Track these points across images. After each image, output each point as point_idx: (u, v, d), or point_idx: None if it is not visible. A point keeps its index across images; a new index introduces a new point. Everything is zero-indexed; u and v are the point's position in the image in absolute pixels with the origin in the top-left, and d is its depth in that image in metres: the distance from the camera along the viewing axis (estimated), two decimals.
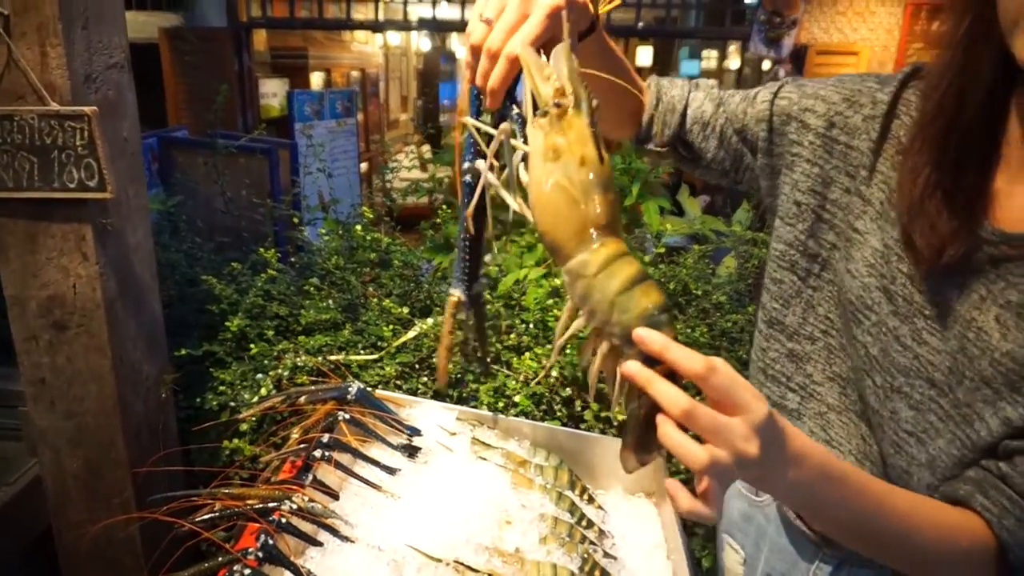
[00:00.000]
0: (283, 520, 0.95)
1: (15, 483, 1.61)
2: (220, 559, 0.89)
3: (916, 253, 0.78)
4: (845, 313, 0.88)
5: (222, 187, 2.39)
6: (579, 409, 1.51)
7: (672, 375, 0.65)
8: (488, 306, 1.72)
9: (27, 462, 1.64)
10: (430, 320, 1.65)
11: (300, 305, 1.72)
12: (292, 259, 1.95)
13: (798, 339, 0.95)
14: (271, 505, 0.97)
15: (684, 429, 0.64)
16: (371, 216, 1.97)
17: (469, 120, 0.81)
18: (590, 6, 0.84)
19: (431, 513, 1.05)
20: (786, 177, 0.94)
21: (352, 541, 0.97)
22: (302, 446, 1.13)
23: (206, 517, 0.95)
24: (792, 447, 0.67)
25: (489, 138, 0.78)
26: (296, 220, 2.01)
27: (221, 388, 1.57)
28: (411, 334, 1.63)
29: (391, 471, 1.13)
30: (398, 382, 1.57)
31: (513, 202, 0.77)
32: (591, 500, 1.20)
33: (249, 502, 0.98)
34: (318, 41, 7.67)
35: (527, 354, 1.59)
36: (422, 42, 12.49)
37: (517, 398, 1.50)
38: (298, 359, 1.54)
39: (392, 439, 1.20)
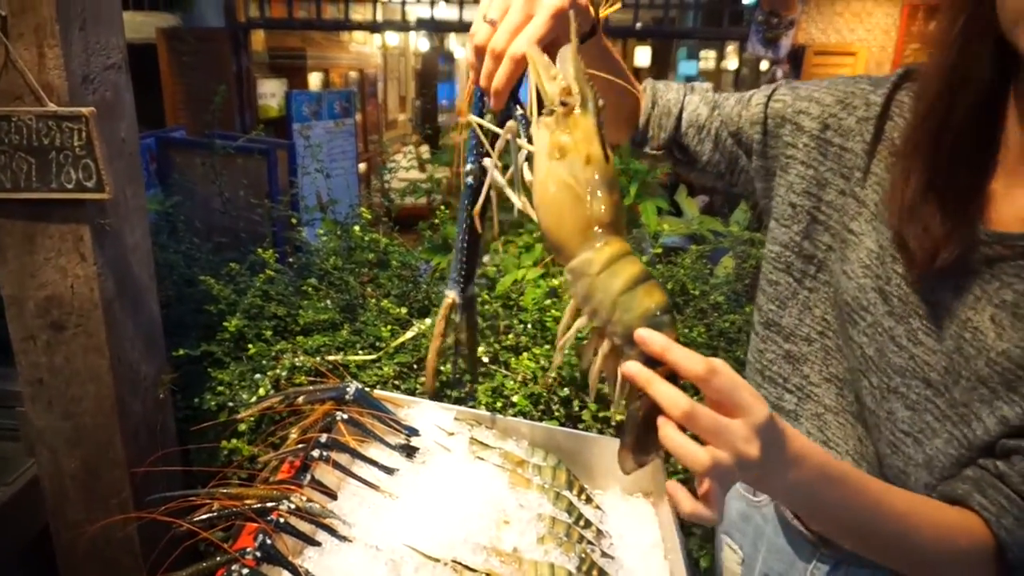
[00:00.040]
0: (281, 520, 0.95)
1: (13, 483, 1.61)
2: (218, 559, 0.89)
3: (910, 256, 0.79)
4: (841, 314, 0.88)
5: (220, 187, 2.39)
6: (577, 409, 1.52)
7: (673, 376, 0.65)
8: (486, 306, 1.73)
9: (25, 462, 1.65)
10: (428, 320, 1.65)
11: (298, 305, 1.73)
12: (290, 259, 1.95)
13: (795, 340, 0.95)
14: (269, 505, 0.97)
15: (684, 430, 0.64)
16: (369, 216, 1.97)
17: (475, 118, 0.81)
18: (591, 9, 0.84)
19: (429, 513, 1.05)
20: (781, 179, 0.95)
21: (350, 541, 0.98)
22: (300, 446, 1.14)
23: (204, 517, 0.95)
24: (792, 448, 0.67)
25: (494, 138, 0.79)
26: (294, 220, 2.01)
27: (219, 388, 1.57)
28: (409, 334, 1.63)
29: (389, 471, 1.13)
30: (396, 382, 1.58)
31: (518, 201, 0.77)
32: (589, 500, 1.20)
33: (247, 502, 0.98)
34: (316, 41, 7.67)
35: (525, 354, 1.60)
36: (420, 42, 12.49)
37: (515, 398, 1.51)
38: (296, 359, 1.54)
39: (390, 439, 1.20)
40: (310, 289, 1.77)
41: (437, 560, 0.95)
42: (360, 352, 1.62)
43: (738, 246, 1.98)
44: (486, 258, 2.22)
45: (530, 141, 0.73)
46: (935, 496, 0.79)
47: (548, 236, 0.73)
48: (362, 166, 6.70)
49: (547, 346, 1.63)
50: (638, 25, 5.51)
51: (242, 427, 1.48)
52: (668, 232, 2.21)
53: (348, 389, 1.23)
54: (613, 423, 1.48)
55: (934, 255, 0.76)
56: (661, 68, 10.12)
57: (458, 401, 1.29)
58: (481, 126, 0.81)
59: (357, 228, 1.88)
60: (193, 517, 0.95)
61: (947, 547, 0.74)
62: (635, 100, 1.04)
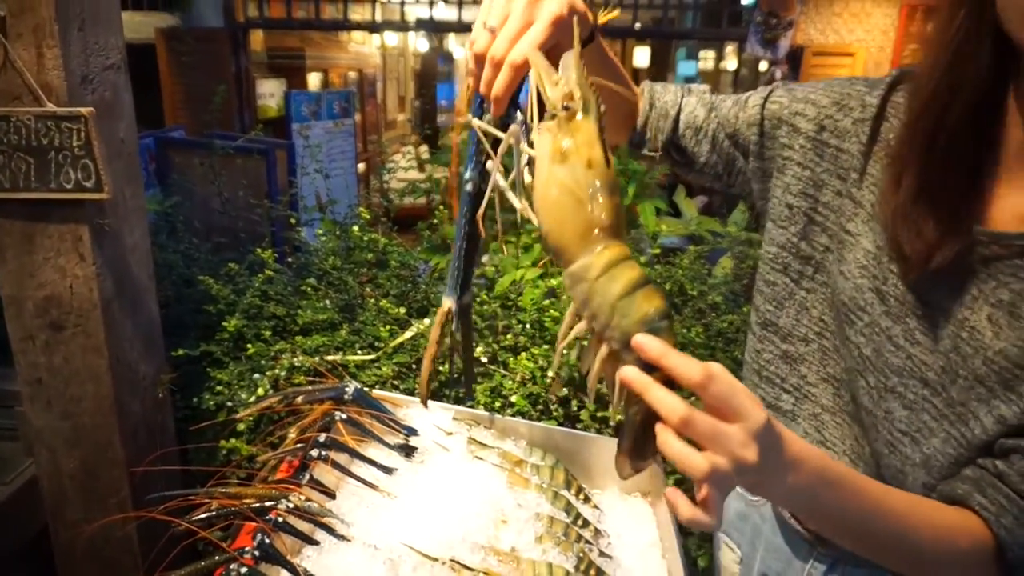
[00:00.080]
0: (280, 519, 0.95)
1: (11, 483, 1.61)
2: (217, 558, 0.90)
3: (904, 259, 0.79)
4: (838, 315, 0.88)
5: (219, 188, 2.39)
6: (575, 409, 1.52)
7: (671, 381, 0.65)
8: (485, 306, 1.73)
9: (23, 462, 1.65)
10: (427, 320, 1.66)
11: (297, 305, 1.73)
12: (289, 259, 1.96)
13: (792, 341, 0.96)
14: (268, 504, 0.97)
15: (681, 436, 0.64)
16: (368, 217, 1.98)
17: (477, 122, 0.81)
18: (589, 15, 0.84)
19: (427, 512, 1.05)
20: (777, 180, 0.95)
21: (348, 540, 0.98)
22: (299, 446, 1.14)
23: (203, 516, 0.96)
24: (790, 452, 0.67)
25: (495, 143, 0.79)
26: (293, 221, 2.02)
27: (218, 388, 1.57)
28: (408, 334, 1.63)
29: (388, 470, 1.14)
30: (395, 382, 1.58)
31: (519, 204, 0.77)
32: (587, 499, 1.20)
33: (246, 501, 0.98)
34: (315, 42, 7.66)
35: (523, 354, 1.60)
36: (419, 43, 12.48)
37: (514, 398, 1.51)
38: (295, 359, 1.54)
39: (389, 439, 1.20)
40: (309, 289, 1.77)
41: (435, 559, 0.95)
42: (359, 352, 1.62)
43: (736, 246, 1.98)
44: (485, 258, 2.22)
45: (531, 146, 0.74)
46: (935, 496, 0.79)
47: (548, 240, 0.73)
48: (361, 166, 6.70)
49: (546, 346, 1.63)
50: (637, 25, 5.52)
51: (241, 427, 1.48)
52: (666, 233, 2.22)
53: (347, 389, 1.23)
54: (611, 423, 1.48)
55: (928, 259, 0.76)
56: (660, 68, 10.12)
57: (457, 401, 1.29)
58: (483, 131, 0.81)
59: (356, 228, 1.88)
60: (192, 516, 0.95)
61: (947, 547, 0.74)
62: (633, 102, 1.05)
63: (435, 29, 7.15)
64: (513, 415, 1.47)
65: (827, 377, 0.93)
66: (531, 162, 0.74)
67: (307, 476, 1.06)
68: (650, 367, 0.66)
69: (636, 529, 1.15)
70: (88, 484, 1.47)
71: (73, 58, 1.24)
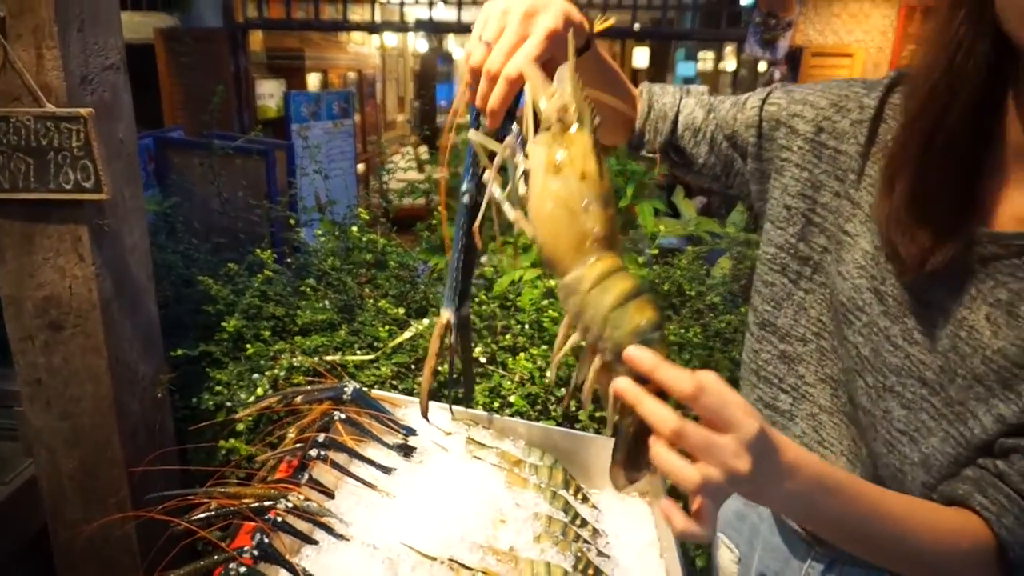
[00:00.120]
0: (279, 519, 0.96)
1: (11, 483, 1.62)
2: (216, 557, 0.90)
3: (900, 262, 0.79)
4: (836, 315, 0.89)
5: (218, 188, 2.39)
6: (574, 409, 1.52)
7: (664, 391, 0.66)
8: (484, 306, 1.73)
9: (23, 462, 1.65)
10: (426, 321, 1.66)
11: (296, 306, 1.73)
12: (288, 260, 1.96)
13: (790, 341, 0.96)
14: (267, 504, 0.98)
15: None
16: (367, 217, 1.98)
17: (473, 134, 0.81)
18: (585, 25, 0.85)
19: (426, 512, 1.05)
20: (776, 181, 0.95)
21: (347, 539, 0.98)
22: (298, 445, 1.14)
23: (202, 516, 0.96)
24: (785, 459, 0.67)
25: (491, 154, 0.79)
26: (292, 221, 2.02)
27: (217, 388, 1.57)
28: (407, 335, 1.64)
29: (386, 470, 1.14)
30: (394, 382, 1.58)
31: (514, 216, 0.78)
32: (585, 499, 1.21)
33: (245, 501, 0.98)
34: (314, 42, 7.67)
35: (522, 354, 1.60)
36: (419, 43, 12.49)
37: (512, 398, 1.51)
38: (294, 359, 1.55)
39: (388, 439, 1.20)
40: (308, 289, 1.77)
41: (434, 559, 0.95)
42: (358, 352, 1.63)
43: (734, 247, 1.98)
44: (484, 258, 2.22)
45: (526, 158, 0.74)
46: (935, 497, 0.80)
47: (543, 251, 0.73)
48: (360, 167, 6.70)
49: (544, 346, 1.63)
50: (636, 26, 5.52)
51: (240, 427, 1.48)
52: (665, 233, 2.22)
53: (346, 389, 1.23)
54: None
55: (923, 262, 0.77)
56: (659, 69, 10.12)
57: (455, 401, 1.29)
58: (479, 143, 0.81)
59: (355, 229, 1.89)
60: (191, 516, 0.96)
61: (948, 549, 0.75)
62: (632, 104, 1.05)
63: (434, 30, 7.15)
64: (512, 415, 1.47)
65: (825, 377, 0.93)
66: (526, 174, 0.74)
67: (306, 476, 1.06)
68: (643, 378, 0.66)
69: (634, 528, 1.16)
70: (87, 484, 1.47)
71: (72, 59, 1.24)
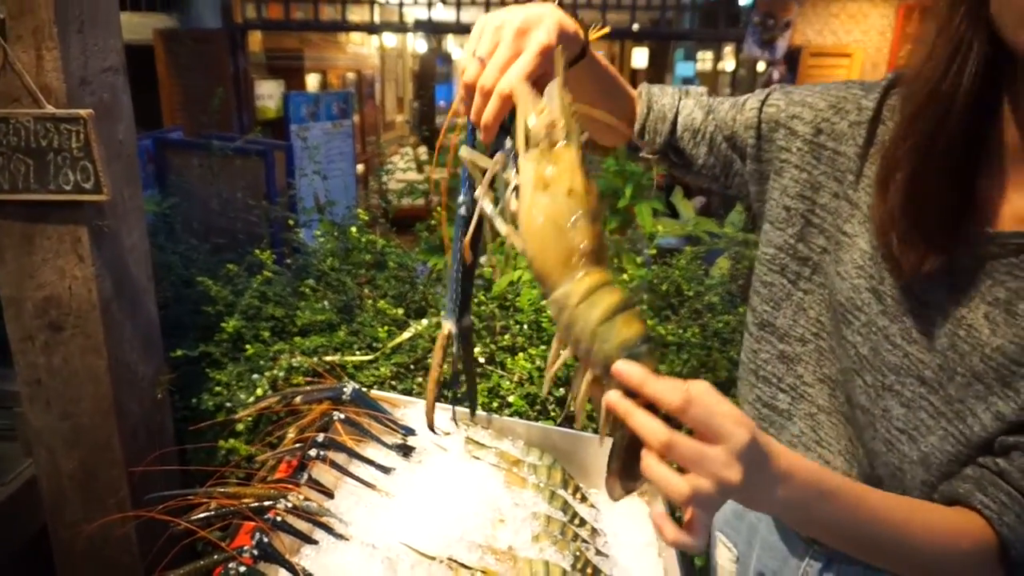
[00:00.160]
0: (278, 518, 0.96)
1: (10, 483, 1.62)
2: (216, 557, 0.90)
3: (896, 265, 0.80)
4: (835, 315, 0.89)
5: (218, 189, 2.40)
6: (572, 409, 1.52)
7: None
8: (483, 307, 1.73)
9: (23, 462, 1.65)
10: (425, 321, 1.66)
11: (296, 306, 1.73)
12: (288, 261, 1.96)
13: (789, 341, 0.96)
14: (266, 504, 0.98)
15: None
16: (366, 218, 1.98)
17: (466, 150, 0.82)
18: (580, 34, 0.85)
19: (425, 511, 1.06)
20: (775, 182, 0.95)
21: (347, 539, 0.98)
22: (297, 445, 1.14)
23: (202, 516, 0.96)
24: (778, 467, 0.68)
25: (485, 170, 0.80)
26: (292, 222, 2.02)
27: (217, 389, 1.57)
28: (406, 335, 1.64)
29: (386, 470, 1.14)
30: (393, 382, 1.58)
31: (506, 231, 0.78)
32: (584, 499, 1.21)
33: (244, 501, 0.99)
34: (314, 43, 7.67)
35: (521, 355, 1.61)
36: (418, 44, 12.50)
37: (511, 398, 1.52)
38: (294, 360, 1.55)
39: (387, 439, 1.21)
40: (307, 290, 1.77)
41: (433, 558, 0.96)
42: (357, 353, 1.63)
43: (733, 247, 1.99)
44: (483, 259, 2.22)
45: (517, 173, 0.75)
46: (936, 496, 0.80)
47: (532, 267, 0.74)
48: (360, 167, 6.70)
49: (543, 347, 1.64)
50: (635, 26, 5.52)
51: (240, 427, 1.49)
52: (663, 233, 2.22)
53: (345, 389, 1.24)
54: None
55: (918, 266, 0.77)
56: (658, 69, 10.13)
57: (455, 401, 1.30)
58: (471, 160, 0.82)
59: (354, 229, 1.89)
60: (191, 516, 0.96)
61: (949, 550, 0.75)
62: (631, 105, 1.06)
63: (433, 30, 7.16)
64: (511, 415, 1.47)
65: (823, 377, 0.93)
66: (517, 189, 0.75)
67: (305, 476, 1.06)
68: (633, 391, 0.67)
69: (633, 528, 1.16)
70: (87, 484, 1.47)
71: (72, 60, 1.24)
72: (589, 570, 1.01)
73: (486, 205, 0.80)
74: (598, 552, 1.08)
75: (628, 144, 1.10)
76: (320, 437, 1.12)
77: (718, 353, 1.63)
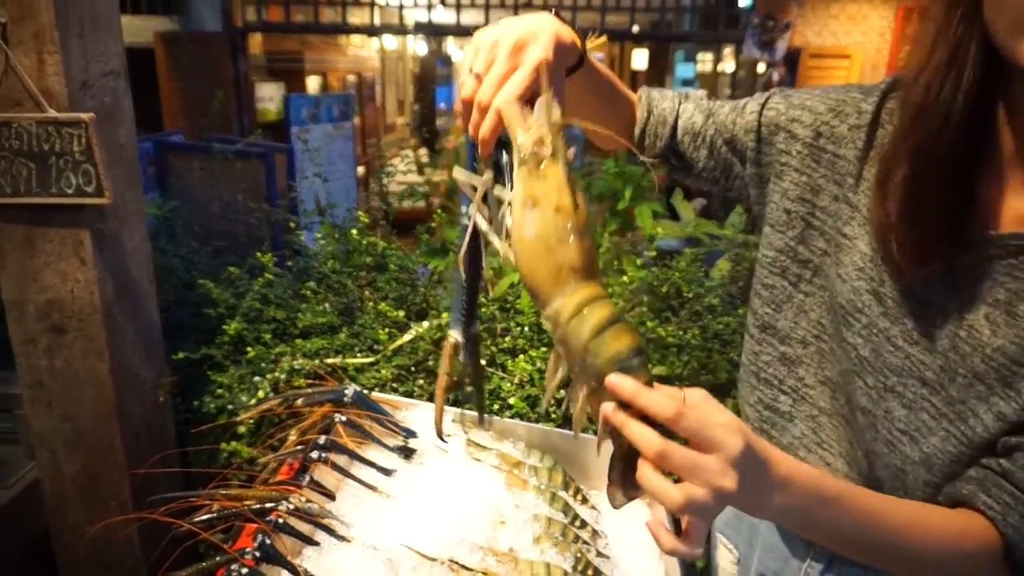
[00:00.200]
0: (280, 520, 0.96)
1: (13, 486, 1.62)
2: (218, 559, 0.91)
3: (896, 269, 0.80)
4: (836, 317, 0.89)
5: (218, 191, 2.40)
6: (572, 412, 1.52)
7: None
8: (483, 309, 1.74)
9: (25, 465, 1.65)
10: (426, 323, 1.67)
11: (297, 309, 1.74)
12: (289, 263, 1.96)
13: (790, 343, 0.96)
14: (268, 506, 0.98)
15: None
16: (367, 220, 1.98)
17: (457, 171, 0.84)
18: (578, 43, 0.86)
19: (426, 513, 1.06)
20: (775, 186, 0.96)
21: (348, 541, 0.99)
22: (299, 448, 1.15)
23: (204, 518, 0.97)
24: (776, 473, 0.68)
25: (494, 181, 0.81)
26: (292, 224, 2.02)
27: (219, 391, 1.58)
28: (407, 337, 1.64)
29: (387, 472, 1.14)
30: (394, 385, 1.59)
31: (501, 247, 0.80)
32: (585, 500, 1.21)
33: (247, 503, 0.99)
34: (314, 45, 7.68)
35: (521, 357, 1.61)
36: (418, 46, 12.51)
37: (512, 400, 1.52)
38: (295, 362, 1.55)
39: (388, 441, 1.21)
40: (309, 292, 1.78)
41: (434, 559, 0.96)
42: (358, 355, 1.63)
43: (733, 249, 1.99)
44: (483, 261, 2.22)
45: (511, 190, 0.76)
46: (940, 497, 0.80)
47: (525, 283, 0.75)
48: (360, 169, 6.71)
49: (543, 349, 1.64)
50: (635, 28, 5.53)
51: (241, 429, 1.49)
52: (663, 235, 2.22)
53: (346, 391, 1.24)
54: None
55: (918, 268, 0.78)
56: (658, 71, 10.13)
57: (456, 403, 1.30)
58: (466, 179, 0.83)
59: (355, 232, 1.89)
60: (193, 518, 0.96)
61: (953, 552, 0.75)
62: (631, 110, 1.06)
63: (434, 33, 7.17)
64: (511, 417, 1.48)
65: (824, 379, 0.93)
66: (511, 205, 0.76)
67: (307, 478, 1.07)
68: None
69: (634, 530, 1.16)
70: (89, 487, 1.48)
71: (73, 64, 1.25)
72: (590, 572, 1.02)
73: (480, 222, 0.81)
74: (599, 554, 1.08)
75: (628, 149, 1.10)
76: (322, 439, 1.13)
77: (718, 355, 1.63)
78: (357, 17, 6.04)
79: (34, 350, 1.38)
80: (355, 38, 8.95)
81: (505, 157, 0.78)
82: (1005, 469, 0.75)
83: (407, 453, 1.19)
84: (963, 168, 0.77)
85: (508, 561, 0.99)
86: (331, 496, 1.07)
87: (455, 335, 0.98)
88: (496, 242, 0.80)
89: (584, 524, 1.13)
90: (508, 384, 1.55)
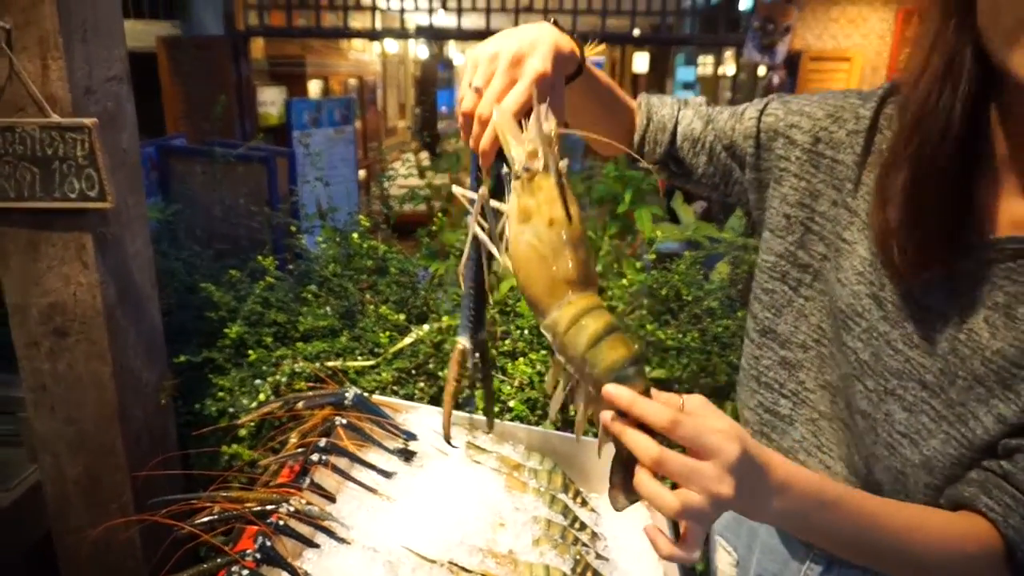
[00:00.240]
0: (281, 522, 0.97)
1: (15, 488, 1.63)
2: (219, 561, 0.91)
3: (896, 273, 0.81)
4: (835, 321, 0.90)
5: (220, 195, 2.41)
6: (573, 413, 1.53)
7: None
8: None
9: (27, 468, 1.66)
10: (426, 326, 1.67)
11: (298, 312, 1.74)
12: (290, 267, 1.97)
13: (790, 347, 0.97)
14: (269, 508, 0.99)
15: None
16: (368, 224, 1.99)
17: (456, 188, 0.85)
18: (576, 52, 0.87)
19: (426, 515, 1.06)
20: (774, 191, 0.96)
21: (348, 543, 0.99)
22: (300, 450, 1.15)
23: (205, 520, 0.97)
24: (774, 478, 0.69)
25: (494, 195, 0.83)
26: (294, 228, 2.03)
27: (220, 394, 1.58)
28: (407, 340, 1.65)
29: (387, 474, 1.15)
30: (395, 387, 1.59)
31: (501, 259, 0.81)
32: (584, 503, 1.22)
33: (247, 505, 0.99)
34: (316, 49, 7.69)
35: (521, 359, 1.61)
36: (419, 50, 12.54)
37: (512, 403, 1.52)
38: (296, 365, 1.56)
39: (388, 443, 1.21)
40: (310, 296, 1.78)
41: (434, 561, 0.96)
42: (359, 358, 1.64)
43: (733, 252, 1.99)
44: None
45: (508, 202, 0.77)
46: (942, 500, 0.81)
47: (524, 294, 0.77)
48: (362, 173, 6.72)
49: (543, 352, 1.64)
50: (636, 32, 5.54)
51: (242, 432, 1.50)
52: (662, 238, 2.23)
53: (347, 394, 1.25)
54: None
55: (918, 273, 0.78)
56: (659, 74, 10.15)
57: (457, 407, 1.30)
58: (463, 194, 0.85)
59: (356, 235, 1.90)
60: (194, 520, 0.97)
61: (955, 554, 0.75)
62: (630, 117, 1.07)
63: (435, 36, 7.18)
64: (511, 420, 1.48)
65: (825, 383, 0.94)
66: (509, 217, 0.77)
67: (308, 480, 1.07)
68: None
69: (633, 532, 1.16)
70: (91, 489, 1.48)
71: (77, 70, 1.26)
72: (589, 574, 1.02)
73: (480, 233, 0.82)
74: (598, 556, 1.09)
75: (629, 155, 1.11)
76: (322, 442, 1.13)
77: (717, 357, 1.63)
78: (359, 21, 6.06)
79: (37, 353, 1.39)
80: (356, 42, 8.97)
81: (505, 168, 0.79)
82: (1006, 471, 0.76)
83: (407, 456, 1.20)
84: (961, 173, 0.78)
85: (507, 563, 0.99)
86: (331, 498, 1.07)
87: (463, 342, 0.99)
88: (496, 253, 0.81)
89: (583, 526, 1.14)
90: (508, 387, 1.56)
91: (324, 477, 1.10)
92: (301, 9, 5.73)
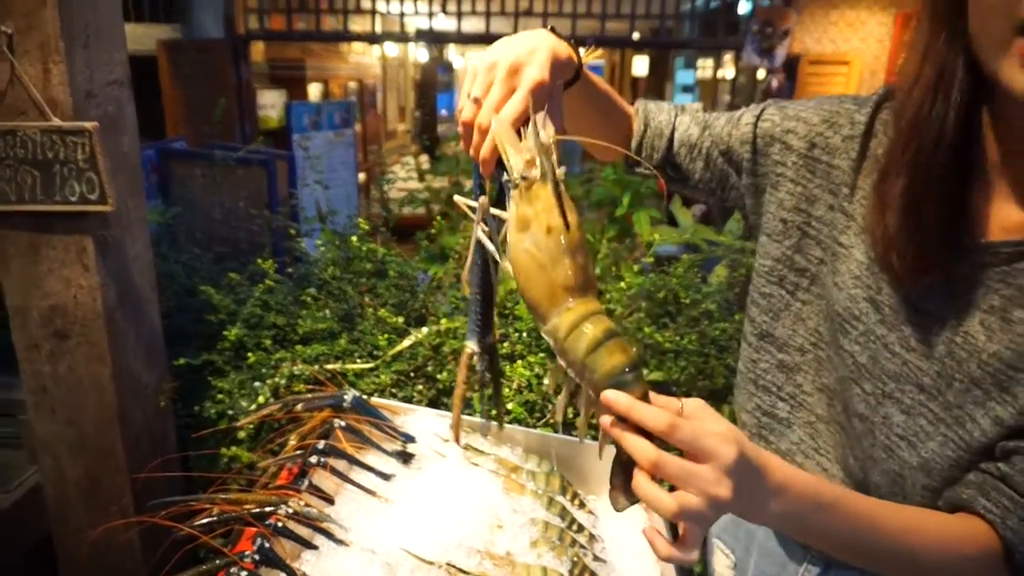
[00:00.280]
0: (280, 524, 0.97)
1: (15, 490, 1.63)
2: (218, 562, 0.91)
3: (895, 278, 0.81)
4: (833, 325, 0.90)
5: (220, 198, 2.41)
6: (571, 416, 1.53)
7: None
8: None
9: (27, 469, 1.67)
10: (425, 329, 1.68)
11: (297, 315, 1.75)
12: (289, 270, 1.97)
13: (788, 351, 0.97)
14: (268, 510, 0.99)
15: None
16: (367, 227, 1.99)
17: (457, 198, 0.86)
18: (574, 59, 0.87)
19: (424, 517, 1.07)
20: (771, 196, 0.97)
21: (347, 544, 1.00)
22: (298, 453, 1.16)
23: (204, 521, 0.97)
24: (772, 480, 0.70)
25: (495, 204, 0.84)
26: (293, 231, 2.04)
27: (219, 396, 1.59)
28: (406, 343, 1.65)
29: (386, 477, 1.15)
30: (393, 390, 1.60)
31: (503, 265, 0.82)
32: (582, 505, 1.22)
33: (246, 507, 1.00)
34: (316, 53, 7.70)
35: (520, 362, 1.62)
36: (419, 53, 12.55)
37: (510, 405, 1.53)
38: (295, 368, 1.56)
39: (387, 445, 1.22)
40: (309, 299, 1.79)
41: (432, 563, 0.97)
42: (358, 361, 1.64)
43: (730, 255, 2.00)
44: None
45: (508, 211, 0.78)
46: (940, 502, 0.81)
47: (524, 300, 0.78)
48: (361, 176, 6.72)
49: (541, 354, 1.65)
50: (635, 35, 5.55)
51: (242, 434, 1.50)
52: (661, 241, 2.23)
53: (346, 397, 1.25)
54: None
55: (916, 277, 0.79)
56: (658, 77, 10.15)
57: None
58: (464, 203, 0.86)
59: (355, 238, 1.90)
60: (193, 522, 0.97)
61: (953, 556, 0.76)
62: (628, 123, 1.08)
63: (435, 40, 7.19)
64: (510, 422, 1.48)
65: (822, 387, 0.94)
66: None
67: (306, 482, 1.07)
68: None
69: (630, 534, 1.17)
70: (91, 491, 1.48)
71: (78, 74, 1.26)
72: (586, 575, 1.02)
73: (483, 239, 0.83)
74: (596, 558, 1.09)
75: (625, 159, 1.12)
76: (321, 444, 1.13)
77: (715, 360, 1.64)
78: (358, 24, 6.07)
79: (37, 356, 1.39)
80: (356, 45, 8.98)
81: (506, 176, 0.80)
82: (1004, 473, 0.76)
83: (406, 458, 1.20)
84: (956, 179, 0.79)
85: (505, 565, 1.00)
86: (330, 500, 1.08)
87: (471, 346, 0.99)
88: (499, 259, 0.82)
89: (581, 528, 1.14)
90: (506, 389, 1.56)
91: (323, 479, 1.10)
92: (301, 12, 5.74)
